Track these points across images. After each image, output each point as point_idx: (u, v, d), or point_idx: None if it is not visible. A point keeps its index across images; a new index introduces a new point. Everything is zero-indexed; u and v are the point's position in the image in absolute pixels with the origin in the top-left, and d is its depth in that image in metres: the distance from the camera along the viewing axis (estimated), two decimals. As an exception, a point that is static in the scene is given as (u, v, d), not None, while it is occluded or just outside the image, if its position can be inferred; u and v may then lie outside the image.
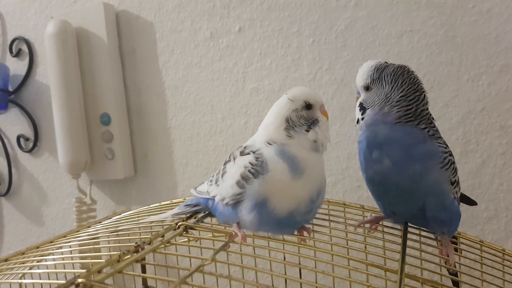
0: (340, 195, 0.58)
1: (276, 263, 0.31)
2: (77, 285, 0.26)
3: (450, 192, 0.37)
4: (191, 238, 0.35)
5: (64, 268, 0.39)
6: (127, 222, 0.49)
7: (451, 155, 0.37)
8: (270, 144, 0.37)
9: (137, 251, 0.32)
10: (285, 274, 0.34)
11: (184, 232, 0.36)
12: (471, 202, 0.45)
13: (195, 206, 0.42)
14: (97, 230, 0.46)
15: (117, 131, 0.72)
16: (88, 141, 0.73)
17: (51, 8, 0.77)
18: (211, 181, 0.40)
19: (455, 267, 0.38)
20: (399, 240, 0.37)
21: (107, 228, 0.47)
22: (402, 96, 0.37)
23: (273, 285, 0.27)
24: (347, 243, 0.37)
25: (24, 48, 0.80)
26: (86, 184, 0.77)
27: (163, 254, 0.33)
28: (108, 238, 0.43)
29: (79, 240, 0.44)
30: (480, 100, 0.52)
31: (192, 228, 0.36)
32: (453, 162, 0.38)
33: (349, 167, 0.59)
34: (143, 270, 0.46)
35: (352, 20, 0.57)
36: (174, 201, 0.55)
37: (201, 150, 0.69)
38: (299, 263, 0.32)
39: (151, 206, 0.55)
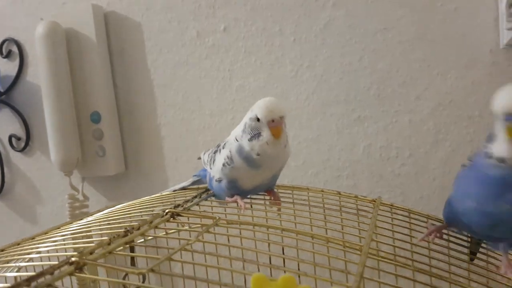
0: (321, 185, 0.62)
1: (259, 242, 0.35)
2: (71, 263, 0.28)
3: None
4: (179, 224, 0.38)
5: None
6: (118, 213, 0.51)
7: None
8: (237, 141, 0.44)
9: (126, 235, 0.35)
10: (269, 251, 0.37)
11: (172, 219, 0.39)
12: None
13: (198, 177, 0.53)
14: (89, 221, 0.49)
15: (108, 128, 0.75)
16: (79, 139, 0.75)
17: (40, 10, 0.79)
18: (208, 160, 0.49)
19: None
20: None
21: (98, 219, 0.50)
22: None
23: (257, 260, 0.30)
24: (325, 224, 0.40)
25: (15, 49, 0.82)
26: (78, 181, 0.79)
27: (152, 241, 0.35)
28: (99, 226, 0.46)
29: (72, 230, 0.47)
30: (449, 93, 0.56)
31: (179, 215, 0.39)
32: None
33: (330, 159, 0.62)
34: (132, 251, 0.49)
35: (330, 19, 0.61)
36: (163, 193, 0.58)
37: (191, 146, 0.72)
38: (282, 241, 0.35)
39: (142, 199, 0.57)
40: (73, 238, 0.42)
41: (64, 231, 0.47)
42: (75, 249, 0.51)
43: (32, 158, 0.85)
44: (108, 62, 0.76)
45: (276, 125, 0.40)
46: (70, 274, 0.27)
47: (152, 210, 0.45)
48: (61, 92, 0.73)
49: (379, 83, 0.59)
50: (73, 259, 0.28)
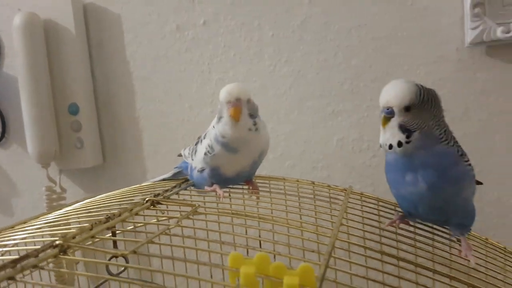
0: (297, 176, 0.63)
1: (237, 226, 0.37)
2: (55, 246, 0.29)
3: (472, 200, 0.40)
4: (159, 211, 0.39)
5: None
6: (96, 203, 0.52)
7: (473, 170, 0.39)
8: (214, 128, 0.46)
9: (107, 222, 0.36)
10: (246, 233, 0.39)
11: (152, 206, 0.40)
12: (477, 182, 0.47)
13: (179, 169, 0.54)
14: (67, 211, 0.50)
15: (86, 120, 0.75)
16: (56, 131, 0.75)
17: (18, 1, 0.78)
18: (189, 152, 0.51)
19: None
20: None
21: (77, 208, 0.51)
22: (440, 117, 0.39)
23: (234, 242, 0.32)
24: (300, 211, 0.42)
25: (-9, 40, 0.81)
26: (55, 174, 0.79)
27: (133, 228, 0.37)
28: (78, 215, 0.47)
29: (51, 218, 0.47)
30: (419, 89, 0.59)
31: (159, 203, 0.40)
32: (474, 176, 0.40)
33: (305, 151, 0.65)
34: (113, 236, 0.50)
35: (307, 17, 0.63)
36: (143, 184, 0.59)
37: (170, 138, 0.73)
38: (259, 226, 0.37)
39: (121, 190, 0.58)
40: (53, 226, 0.42)
41: (44, 220, 0.47)
42: (54, 236, 0.52)
43: (8, 150, 0.84)
44: (87, 54, 0.76)
45: (233, 106, 0.43)
46: (55, 256, 0.28)
47: (132, 200, 0.46)
48: (39, 83, 0.72)
49: (353, 78, 0.62)
50: (57, 242, 0.29)
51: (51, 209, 0.76)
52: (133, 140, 0.76)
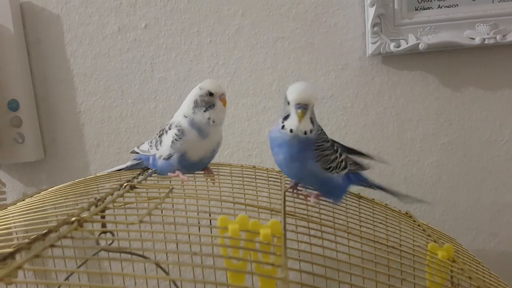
0: (236, 162, 0.75)
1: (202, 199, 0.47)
2: (72, 222, 0.37)
3: (323, 174, 0.50)
4: (137, 194, 0.48)
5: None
6: (63, 192, 0.58)
7: (323, 150, 0.49)
8: (186, 117, 0.54)
9: (98, 205, 0.44)
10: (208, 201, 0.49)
11: (130, 190, 0.48)
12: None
13: (138, 161, 0.61)
14: (39, 199, 0.55)
15: (26, 116, 0.77)
16: (-5, 126, 0.77)
17: None
18: (150, 146, 0.58)
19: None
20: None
21: (47, 197, 0.56)
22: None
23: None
24: (244, 191, 0.54)
25: None
26: (-8, 168, 0.80)
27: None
28: (54, 203, 0.53)
29: (26, 208, 0.52)
30: (330, 89, 0.73)
31: (135, 187, 0.49)
32: (326, 155, 0.49)
33: (242, 141, 0.76)
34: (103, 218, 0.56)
35: (240, 26, 0.73)
36: (87, 177, 0.65)
37: (113, 132, 0.79)
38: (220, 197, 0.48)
39: (82, 179, 0.64)
40: (39, 211, 0.48)
41: (20, 210, 0.52)
42: (47, 219, 0.56)
43: None
44: (25, 52, 0.78)
45: (224, 97, 0.54)
46: (76, 229, 0.36)
47: (103, 187, 0.54)
48: (-26, 79, 0.73)
49: (279, 80, 0.74)
50: (73, 218, 0.37)
51: (-9, 203, 0.78)
52: (74, 134, 0.80)
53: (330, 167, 0.51)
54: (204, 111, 0.54)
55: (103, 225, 0.54)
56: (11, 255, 0.29)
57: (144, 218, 0.39)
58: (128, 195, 0.47)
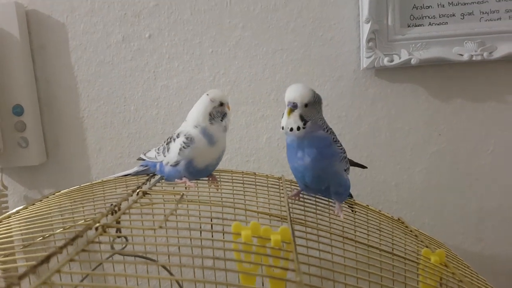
0: (234, 168, 0.78)
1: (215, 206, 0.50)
2: (96, 228, 0.40)
3: (344, 175, 0.54)
4: (147, 201, 0.50)
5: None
6: (76, 195, 0.60)
7: (344, 152, 0.53)
8: (196, 127, 0.57)
9: (112, 212, 0.47)
10: (222, 208, 0.52)
11: (143, 196, 0.51)
12: (362, 167, 0.63)
13: (145, 167, 0.63)
14: (44, 208, 0.57)
15: (30, 121, 0.79)
16: (0, 131, 0.78)
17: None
18: (158, 153, 0.60)
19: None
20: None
21: (59, 204, 0.58)
22: (321, 113, 0.53)
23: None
24: (244, 197, 0.57)
25: None
26: (-5, 172, 0.82)
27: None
28: (72, 204, 0.55)
29: (43, 210, 0.54)
30: (325, 99, 0.77)
31: (147, 193, 0.51)
32: (346, 156, 0.53)
33: (241, 147, 0.79)
34: (118, 223, 0.59)
35: (241, 38, 0.77)
36: (93, 182, 0.67)
37: (115, 137, 0.81)
38: (221, 202, 0.51)
39: (82, 185, 0.66)
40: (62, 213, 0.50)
41: (34, 214, 0.54)
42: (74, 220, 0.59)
43: None
44: (30, 58, 0.79)
45: (228, 104, 0.59)
46: (101, 235, 0.39)
47: (114, 192, 0.56)
48: (-20, 85, 0.75)
49: (277, 90, 0.78)
50: (97, 224, 0.39)
51: (-6, 206, 0.79)
52: (77, 138, 0.82)
53: (347, 168, 0.55)
54: (221, 120, 0.58)
55: (117, 230, 0.57)
56: (47, 259, 0.32)
57: (158, 224, 0.42)
58: (141, 201, 0.50)
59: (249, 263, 0.38)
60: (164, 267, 0.44)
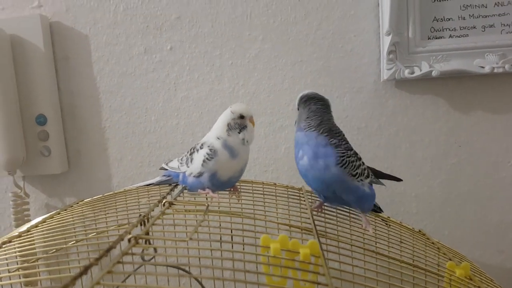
0: (252, 178, 0.78)
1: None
2: (129, 240, 0.40)
3: (351, 181, 0.52)
4: (174, 211, 0.51)
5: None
6: (103, 203, 0.61)
7: (349, 156, 0.52)
8: (219, 139, 0.58)
9: (141, 223, 0.47)
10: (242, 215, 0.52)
11: (169, 207, 0.52)
12: (397, 179, 0.61)
13: (167, 177, 0.64)
14: (68, 218, 0.58)
15: (53, 130, 0.81)
16: (24, 140, 0.80)
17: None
18: (181, 163, 0.61)
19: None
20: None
21: (83, 215, 0.59)
22: (308, 114, 0.54)
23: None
24: (264, 207, 0.57)
25: None
26: (17, 180, 0.83)
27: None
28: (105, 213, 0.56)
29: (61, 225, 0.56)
30: (345, 110, 0.77)
31: (172, 204, 0.52)
32: (352, 161, 0.52)
33: (259, 157, 0.80)
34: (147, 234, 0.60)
35: (260, 50, 0.78)
36: (116, 191, 0.68)
37: (136, 146, 0.83)
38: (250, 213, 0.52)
39: (105, 194, 0.67)
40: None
41: (60, 224, 0.55)
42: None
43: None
44: (53, 68, 0.81)
45: (253, 119, 0.59)
46: (134, 246, 0.39)
47: (140, 202, 0.57)
48: (6, 95, 0.76)
49: (296, 101, 0.78)
50: (129, 236, 0.40)
51: (17, 213, 0.81)
52: (98, 148, 0.84)
53: (357, 173, 0.53)
54: (239, 133, 0.58)
55: (147, 241, 0.58)
56: (85, 270, 0.32)
57: (186, 234, 0.43)
58: (167, 211, 0.50)
59: (278, 276, 0.38)
60: (196, 279, 0.44)
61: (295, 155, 0.55)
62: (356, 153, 0.54)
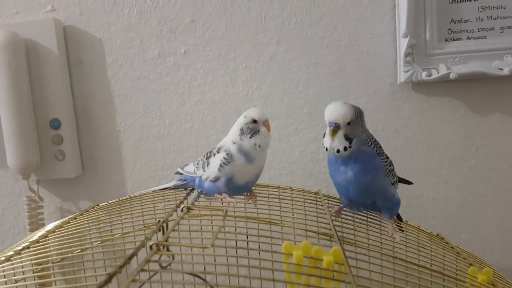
0: (266, 181, 0.78)
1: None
2: (151, 247, 0.40)
3: (390, 189, 0.53)
4: (192, 216, 0.51)
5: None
6: (119, 208, 0.61)
7: (390, 165, 0.52)
8: (234, 144, 0.58)
9: (160, 228, 0.47)
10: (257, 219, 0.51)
11: (188, 212, 0.51)
12: (408, 182, 0.62)
13: (183, 181, 0.64)
14: (83, 222, 0.58)
15: (67, 134, 0.81)
16: (38, 144, 0.80)
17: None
18: (197, 167, 0.61)
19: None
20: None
21: (98, 219, 0.59)
22: (364, 126, 0.52)
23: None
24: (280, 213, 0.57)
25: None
26: (31, 184, 0.83)
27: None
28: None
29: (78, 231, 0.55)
30: (361, 113, 0.77)
31: (191, 209, 0.52)
32: (392, 170, 0.52)
33: (273, 161, 0.79)
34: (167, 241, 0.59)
35: (275, 53, 0.77)
36: (131, 195, 0.68)
37: (150, 150, 0.83)
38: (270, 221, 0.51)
39: (120, 198, 0.67)
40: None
41: (77, 229, 0.55)
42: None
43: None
44: (67, 72, 0.82)
45: (268, 123, 0.58)
46: (156, 253, 0.39)
47: (157, 207, 0.57)
48: (20, 100, 0.77)
49: (311, 104, 0.78)
50: (150, 243, 0.40)
51: (31, 217, 0.81)
52: (113, 152, 0.84)
53: (394, 181, 0.53)
54: (250, 137, 0.57)
55: (166, 247, 0.58)
56: (110, 278, 0.32)
57: (202, 241, 0.42)
58: (185, 217, 0.50)
59: (301, 284, 0.38)
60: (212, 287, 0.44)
61: (333, 168, 0.53)
62: (388, 157, 0.53)
